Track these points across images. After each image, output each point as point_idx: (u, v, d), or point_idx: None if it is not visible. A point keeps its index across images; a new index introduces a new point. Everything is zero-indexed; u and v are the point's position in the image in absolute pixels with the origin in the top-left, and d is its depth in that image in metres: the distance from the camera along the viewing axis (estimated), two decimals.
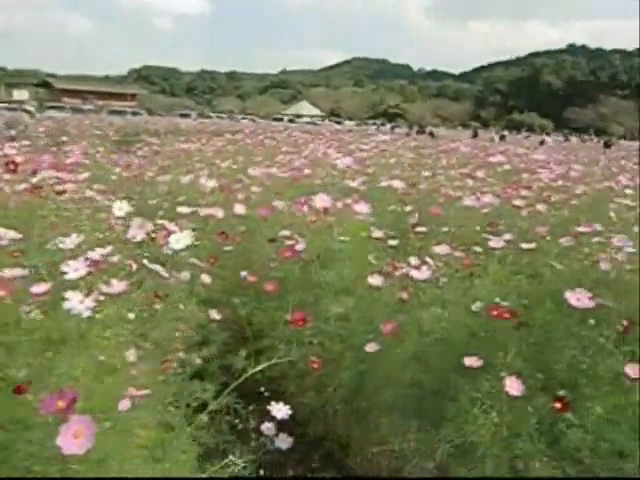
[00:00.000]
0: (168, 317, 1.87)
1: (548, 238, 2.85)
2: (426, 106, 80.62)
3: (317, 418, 2.34)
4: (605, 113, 77.36)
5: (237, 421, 1.88)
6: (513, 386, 1.44)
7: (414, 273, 1.98)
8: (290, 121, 35.90)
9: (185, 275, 2.21)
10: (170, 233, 1.72)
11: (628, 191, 4.61)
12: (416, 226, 2.66)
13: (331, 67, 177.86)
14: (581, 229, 2.77)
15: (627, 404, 1.39)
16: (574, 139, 36.81)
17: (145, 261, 1.53)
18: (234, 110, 57.38)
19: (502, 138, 28.72)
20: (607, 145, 24.30)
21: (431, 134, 22.98)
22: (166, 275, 1.56)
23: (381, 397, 2.08)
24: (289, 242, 2.40)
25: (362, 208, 2.42)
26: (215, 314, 2.12)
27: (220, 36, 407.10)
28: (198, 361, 1.88)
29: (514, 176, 4.89)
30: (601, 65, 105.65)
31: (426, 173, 4.01)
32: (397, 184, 3.00)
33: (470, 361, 1.55)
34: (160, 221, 2.01)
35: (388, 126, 35.94)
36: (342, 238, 2.36)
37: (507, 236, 2.72)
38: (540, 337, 1.68)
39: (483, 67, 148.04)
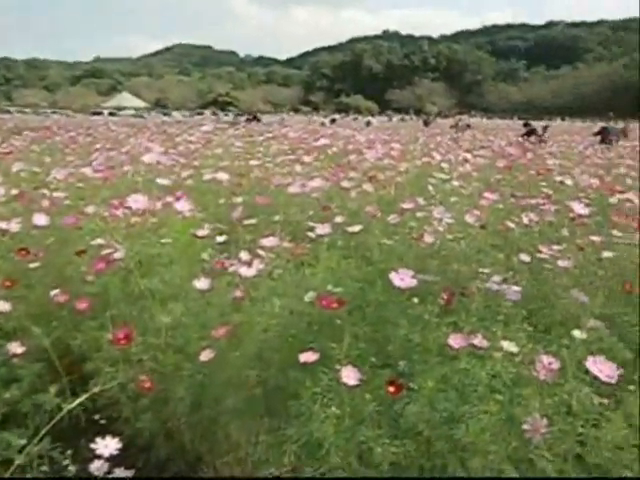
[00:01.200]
0: None
1: (379, 215, 2.95)
2: (256, 93, 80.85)
3: (161, 439, 2.14)
4: (421, 94, 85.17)
5: (61, 466, 1.63)
6: (349, 375, 1.41)
7: (243, 270, 1.87)
8: (111, 114, 33.34)
9: None
10: None
11: (444, 165, 5.03)
12: (245, 219, 2.55)
13: (151, 55, 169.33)
14: (405, 205, 2.90)
15: (453, 373, 1.44)
16: (395, 119, 39.87)
17: None
18: (40, 103, 51.11)
19: (333, 121, 29.96)
20: (426, 123, 26.67)
21: (258, 120, 23.33)
22: None
23: (225, 404, 1.95)
24: (107, 251, 2.14)
25: (183, 206, 2.24)
26: (17, 347, 1.80)
27: (9, 17, 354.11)
28: None
29: (343, 158, 5.03)
30: (413, 50, 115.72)
31: (255, 162, 3.91)
32: (222, 176, 2.85)
33: (305, 356, 1.49)
34: None
35: (230, 115, 34.80)
36: (165, 240, 2.17)
37: (338, 219, 2.76)
38: (373, 319, 1.68)
39: (309, 52, 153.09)
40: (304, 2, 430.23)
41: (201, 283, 1.88)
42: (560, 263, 2.27)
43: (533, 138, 13.64)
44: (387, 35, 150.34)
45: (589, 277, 2.45)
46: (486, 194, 2.93)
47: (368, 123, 25.76)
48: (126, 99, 46.86)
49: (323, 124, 24.27)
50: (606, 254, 2.57)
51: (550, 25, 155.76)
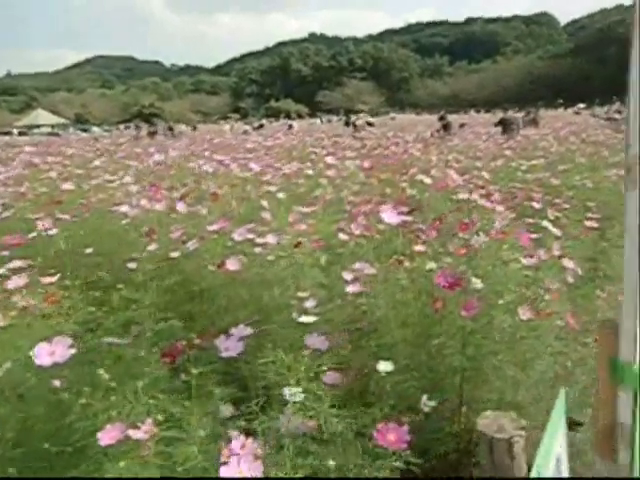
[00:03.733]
0: None
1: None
2: (183, 103, 78.97)
3: None
4: (350, 94, 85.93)
5: None
6: None
7: None
8: (21, 134, 31.41)
9: None
10: None
11: (309, 172, 4.79)
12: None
13: (70, 68, 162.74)
14: (212, 227, 2.60)
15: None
16: (318, 121, 40.20)
17: None
18: None
19: (259, 127, 29.48)
20: (347, 124, 26.73)
21: (170, 129, 23.20)
22: None
23: None
24: None
25: None
26: None
27: None
28: None
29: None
30: (340, 52, 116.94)
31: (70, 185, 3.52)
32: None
33: None
34: None
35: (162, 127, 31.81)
36: None
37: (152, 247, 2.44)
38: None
39: (236, 59, 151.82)
40: (227, 8, 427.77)
41: None
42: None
43: (441, 133, 13.83)
44: (313, 37, 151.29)
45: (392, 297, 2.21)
46: (298, 207, 2.68)
47: (290, 127, 25.52)
48: (42, 116, 44.24)
49: (246, 132, 23.65)
50: (431, 265, 2.35)
51: (469, 22, 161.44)
